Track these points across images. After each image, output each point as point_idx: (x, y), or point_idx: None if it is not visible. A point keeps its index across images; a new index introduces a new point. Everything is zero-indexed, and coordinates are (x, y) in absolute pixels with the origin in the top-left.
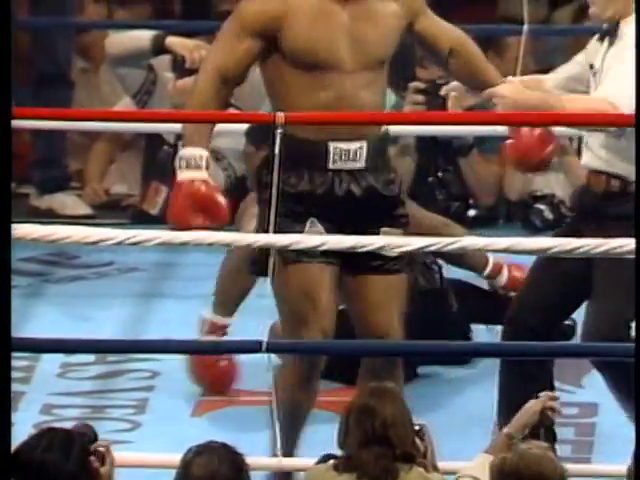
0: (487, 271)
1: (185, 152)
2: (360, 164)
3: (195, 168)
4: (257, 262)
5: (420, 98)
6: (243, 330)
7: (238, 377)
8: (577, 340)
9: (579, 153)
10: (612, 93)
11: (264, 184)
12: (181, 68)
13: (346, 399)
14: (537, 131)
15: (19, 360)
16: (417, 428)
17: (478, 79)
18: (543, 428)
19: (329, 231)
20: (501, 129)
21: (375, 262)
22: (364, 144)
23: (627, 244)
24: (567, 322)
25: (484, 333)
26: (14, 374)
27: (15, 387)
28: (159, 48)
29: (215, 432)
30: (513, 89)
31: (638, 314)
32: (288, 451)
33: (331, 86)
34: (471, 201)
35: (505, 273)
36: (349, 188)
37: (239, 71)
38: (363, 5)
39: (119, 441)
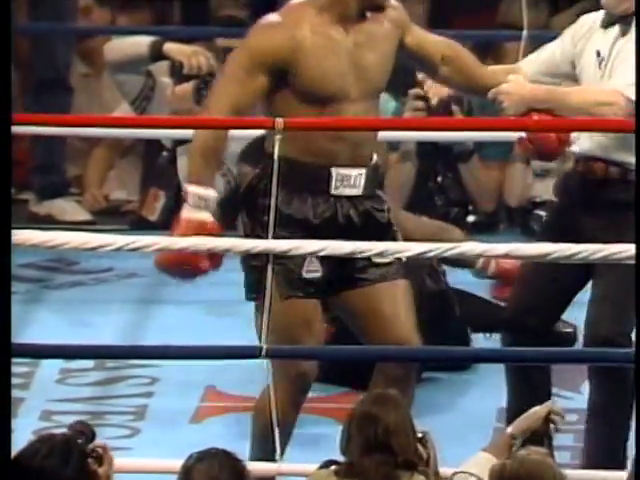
0: (478, 265)
1: (196, 190)
2: (358, 190)
3: (204, 209)
4: (249, 287)
5: (420, 104)
6: (242, 335)
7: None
8: (578, 345)
9: None
10: (625, 84)
11: (258, 206)
12: (179, 74)
13: (347, 405)
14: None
15: (18, 366)
16: (420, 435)
17: (476, 83)
18: (544, 435)
19: (325, 260)
20: (501, 135)
21: (374, 272)
22: (363, 171)
23: (627, 249)
24: (567, 329)
25: (482, 339)
26: (13, 380)
27: (14, 393)
28: (157, 54)
29: (214, 438)
30: (517, 86)
31: (638, 315)
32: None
33: (337, 116)
34: (470, 207)
35: (493, 263)
36: (349, 214)
37: (251, 108)
38: (363, 29)
39: (119, 447)
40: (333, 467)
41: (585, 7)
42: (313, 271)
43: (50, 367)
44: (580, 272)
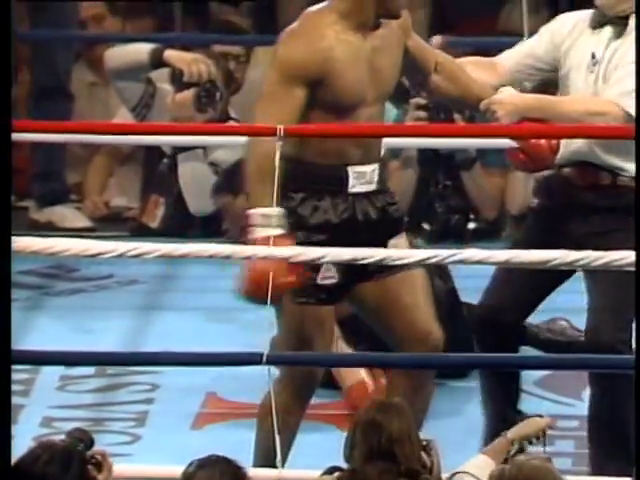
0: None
1: (260, 211)
2: (374, 186)
3: (272, 226)
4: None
5: (422, 114)
6: (243, 342)
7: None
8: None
9: None
10: (619, 93)
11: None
12: (180, 82)
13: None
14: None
15: (19, 373)
16: (424, 443)
17: (467, 93)
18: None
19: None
20: (503, 142)
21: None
22: (376, 166)
23: (627, 256)
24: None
25: None
26: (14, 387)
27: (15, 400)
28: (158, 61)
29: (215, 445)
30: (510, 95)
31: (638, 317)
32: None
33: (357, 123)
34: (471, 215)
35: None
36: (367, 210)
37: (297, 122)
38: (378, 34)
39: (119, 454)
40: (336, 474)
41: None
42: (329, 277)
43: (50, 374)
44: (557, 272)
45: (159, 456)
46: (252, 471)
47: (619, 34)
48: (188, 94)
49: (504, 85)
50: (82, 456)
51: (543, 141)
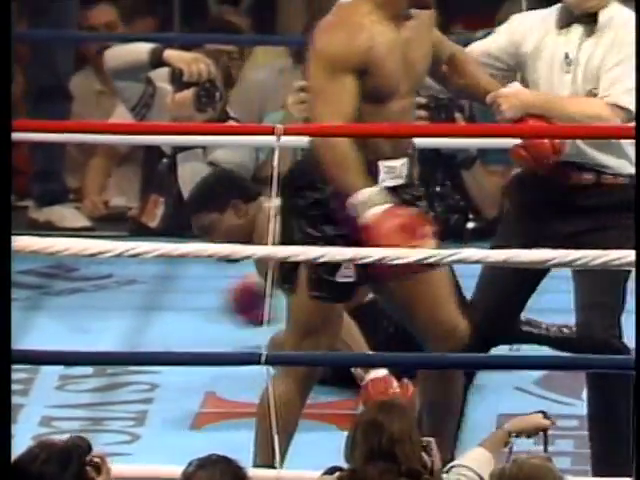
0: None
1: (365, 194)
2: (402, 180)
3: (382, 203)
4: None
5: (423, 114)
6: (242, 342)
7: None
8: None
9: None
10: (617, 94)
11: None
12: (179, 81)
13: (348, 412)
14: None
15: (18, 372)
16: (425, 443)
17: (476, 86)
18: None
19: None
20: (504, 142)
21: None
22: (405, 160)
23: (627, 255)
24: None
25: None
26: (13, 386)
27: (14, 399)
28: (157, 61)
29: (214, 444)
30: (516, 90)
31: (638, 318)
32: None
33: (390, 114)
34: (470, 214)
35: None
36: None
37: (354, 110)
38: (409, 25)
39: (118, 453)
40: (337, 474)
41: None
42: (347, 276)
43: (50, 373)
44: (538, 272)
45: (158, 456)
46: (252, 471)
47: (590, 32)
48: (188, 94)
49: None
50: (80, 455)
51: (546, 139)
